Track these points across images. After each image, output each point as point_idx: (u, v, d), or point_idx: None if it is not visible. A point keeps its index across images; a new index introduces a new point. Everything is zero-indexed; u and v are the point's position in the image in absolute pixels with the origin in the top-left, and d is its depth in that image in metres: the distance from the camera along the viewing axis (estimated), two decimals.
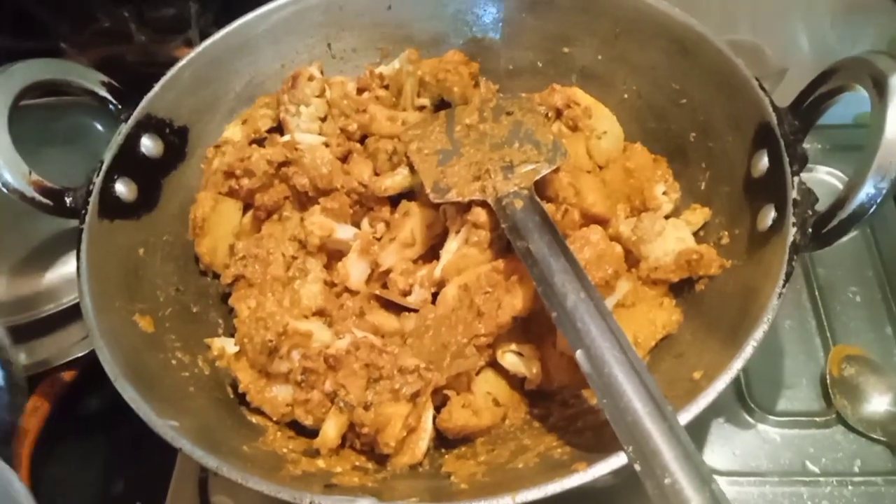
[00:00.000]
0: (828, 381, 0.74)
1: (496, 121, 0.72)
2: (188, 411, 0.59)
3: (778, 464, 0.71)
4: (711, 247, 0.66)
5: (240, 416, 0.64)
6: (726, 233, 0.66)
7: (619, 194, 0.72)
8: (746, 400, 0.74)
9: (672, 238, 0.66)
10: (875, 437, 0.71)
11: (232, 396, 0.66)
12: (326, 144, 0.77)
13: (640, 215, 0.69)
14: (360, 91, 0.80)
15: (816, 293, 0.81)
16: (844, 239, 0.54)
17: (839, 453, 0.71)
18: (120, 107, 0.71)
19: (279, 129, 0.80)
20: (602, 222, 0.69)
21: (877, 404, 0.72)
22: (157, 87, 0.72)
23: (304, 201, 0.74)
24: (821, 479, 0.70)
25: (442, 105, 0.80)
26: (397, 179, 0.72)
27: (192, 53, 0.74)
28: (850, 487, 0.69)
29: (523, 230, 0.61)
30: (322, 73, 0.79)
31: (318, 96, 0.78)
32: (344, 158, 0.77)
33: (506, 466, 0.59)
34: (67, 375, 0.84)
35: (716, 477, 0.68)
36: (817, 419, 0.73)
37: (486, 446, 0.63)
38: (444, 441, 0.64)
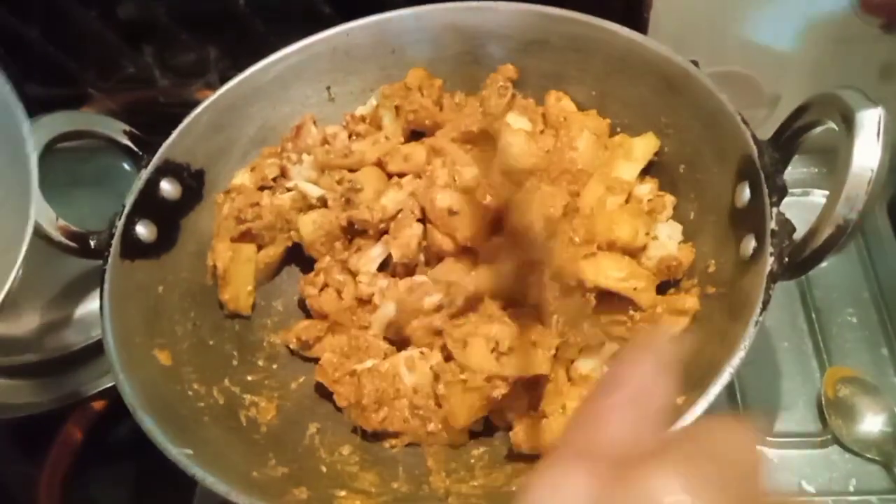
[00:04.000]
0: (823, 403, 0.75)
1: None
2: (202, 440, 0.62)
3: (774, 484, 0.72)
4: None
5: (251, 443, 0.67)
6: (713, 261, 0.68)
7: None
8: None
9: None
10: (870, 456, 0.72)
11: (245, 424, 0.69)
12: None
13: None
14: (349, 136, 0.82)
15: (813, 315, 0.82)
16: (822, 265, 0.56)
17: (835, 473, 0.73)
18: (141, 153, 0.75)
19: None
20: None
21: (871, 425, 0.73)
22: (174, 135, 0.76)
23: None
24: (816, 498, 0.71)
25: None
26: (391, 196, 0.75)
27: (207, 101, 0.78)
28: None
29: None
30: (315, 124, 0.82)
31: (321, 145, 0.80)
32: None
33: (501, 489, 0.62)
34: (98, 405, 0.88)
35: None
36: (814, 440, 0.75)
37: (484, 470, 0.66)
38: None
